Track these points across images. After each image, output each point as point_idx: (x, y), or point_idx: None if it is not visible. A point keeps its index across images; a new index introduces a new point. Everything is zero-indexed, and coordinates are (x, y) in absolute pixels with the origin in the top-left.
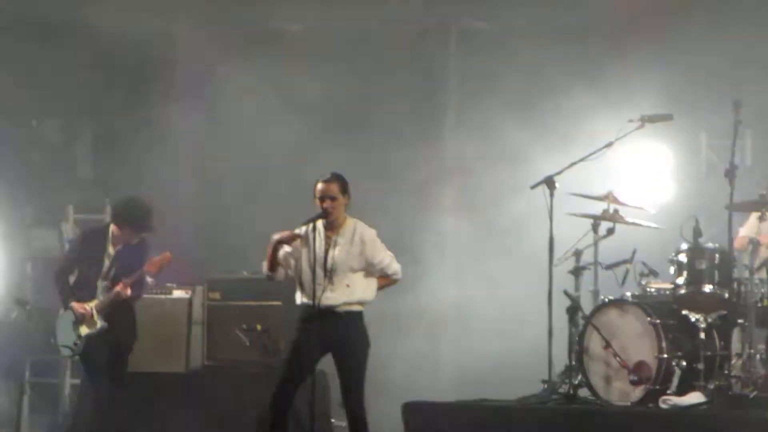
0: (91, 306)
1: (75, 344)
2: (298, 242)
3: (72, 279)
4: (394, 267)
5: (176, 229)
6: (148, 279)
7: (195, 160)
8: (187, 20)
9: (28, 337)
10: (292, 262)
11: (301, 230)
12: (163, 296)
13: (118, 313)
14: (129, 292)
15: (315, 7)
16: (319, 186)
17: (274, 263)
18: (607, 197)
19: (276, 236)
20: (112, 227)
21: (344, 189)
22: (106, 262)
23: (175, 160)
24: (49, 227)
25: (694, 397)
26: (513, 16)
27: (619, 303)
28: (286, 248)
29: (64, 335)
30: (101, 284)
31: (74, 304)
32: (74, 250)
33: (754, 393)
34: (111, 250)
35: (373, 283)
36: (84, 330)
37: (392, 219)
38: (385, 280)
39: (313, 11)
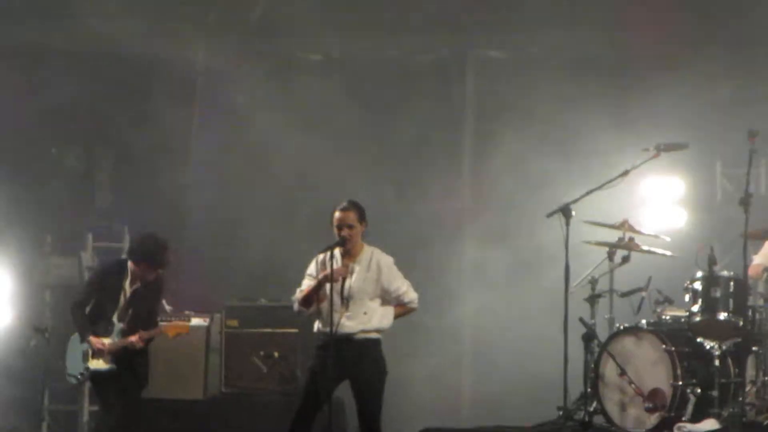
0: (107, 343)
1: (81, 374)
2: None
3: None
4: (411, 295)
5: (195, 256)
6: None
7: (215, 186)
8: (207, 48)
9: (46, 364)
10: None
11: (318, 258)
12: (181, 323)
13: (132, 356)
14: (143, 344)
15: (336, 38)
16: (337, 214)
17: (312, 298)
18: (623, 225)
19: (323, 274)
20: (129, 263)
21: (361, 217)
22: (122, 300)
23: (195, 186)
24: (68, 255)
25: (709, 425)
26: (528, 45)
27: (634, 330)
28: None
29: (73, 363)
30: (118, 325)
31: (92, 339)
32: (92, 283)
33: None
34: (128, 287)
35: (390, 312)
36: (93, 364)
37: (412, 245)
38: (402, 309)
39: (334, 41)
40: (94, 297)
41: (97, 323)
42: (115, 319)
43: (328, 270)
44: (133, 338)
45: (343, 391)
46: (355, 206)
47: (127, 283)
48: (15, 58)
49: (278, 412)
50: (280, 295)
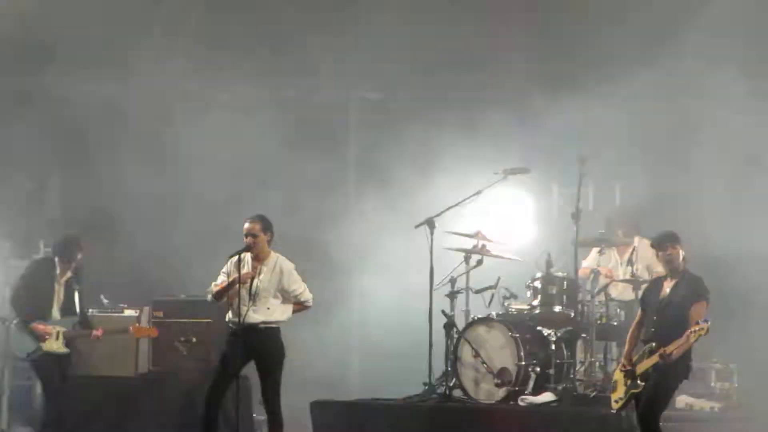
0: (57, 330)
1: (29, 354)
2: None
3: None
4: (307, 295)
5: (128, 258)
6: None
7: (146, 203)
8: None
9: (6, 347)
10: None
11: (232, 260)
12: (116, 314)
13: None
14: (101, 337)
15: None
16: (246, 225)
17: (224, 293)
18: (477, 234)
19: (243, 275)
20: (56, 259)
21: (266, 228)
22: (56, 289)
23: (127, 203)
24: (24, 258)
25: (546, 397)
26: (395, 88)
27: (486, 320)
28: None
29: (21, 342)
30: (68, 320)
31: (38, 326)
32: (25, 278)
33: (594, 393)
34: (60, 278)
35: (289, 308)
36: (48, 346)
37: (306, 252)
38: (299, 306)
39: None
40: (29, 289)
41: (38, 311)
42: (55, 307)
43: (241, 271)
44: (97, 332)
45: (249, 370)
46: (260, 219)
47: (57, 275)
48: None
49: (196, 386)
50: (196, 292)
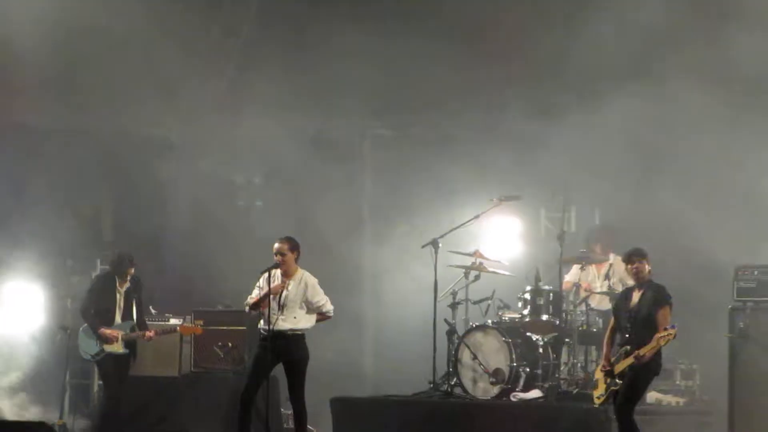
0: (119, 334)
1: (97, 354)
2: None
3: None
4: (328, 307)
5: (171, 276)
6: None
7: (187, 228)
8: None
9: (68, 351)
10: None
11: (264, 276)
12: (162, 322)
13: (133, 342)
14: (155, 337)
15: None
16: (276, 245)
17: (259, 305)
18: (475, 253)
19: (268, 288)
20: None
21: (293, 247)
22: (118, 299)
23: (170, 228)
24: (83, 274)
25: (535, 393)
26: (409, 125)
27: (482, 327)
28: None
29: (87, 345)
30: (128, 323)
31: (105, 330)
32: (92, 291)
33: (576, 390)
34: (120, 289)
35: (313, 318)
36: (108, 348)
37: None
38: (322, 316)
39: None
40: (95, 300)
41: (104, 318)
42: (117, 315)
43: (272, 286)
44: (150, 333)
45: (277, 371)
46: (288, 240)
47: (118, 287)
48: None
49: (232, 385)
50: (232, 303)
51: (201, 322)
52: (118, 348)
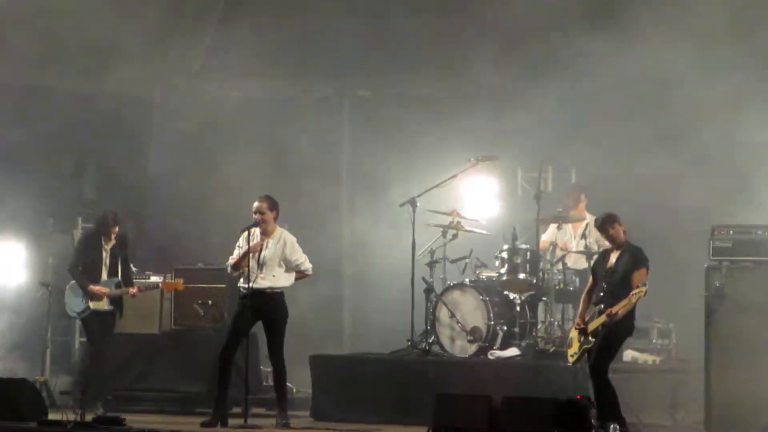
0: (106, 290)
1: (82, 311)
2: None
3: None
4: (307, 265)
5: (153, 233)
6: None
7: (170, 187)
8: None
9: (49, 308)
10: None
11: (244, 234)
12: (143, 279)
13: (118, 298)
14: (138, 294)
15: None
16: (254, 204)
17: (240, 264)
18: (452, 212)
19: (247, 247)
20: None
21: (272, 207)
22: (104, 256)
23: (153, 188)
24: (65, 232)
25: (512, 351)
26: (387, 86)
27: (460, 286)
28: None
29: (73, 302)
30: (114, 280)
31: (94, 287)
32: (78, 249)
33: (553, 348)
34: (106, 246)
35: (291, 276)
36: (93, 305)
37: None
38: (300, 275)
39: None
40: (81, 258)
41: (90, 275)
42: (103, 272)
43: (250, 244)
44: (133, 290)
45: (257, 329)
46: (267, 199)
47: (103, 244)
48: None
49: (212, 342)
50: (212, 261)
51: (182, 280)
52: (103, 305)
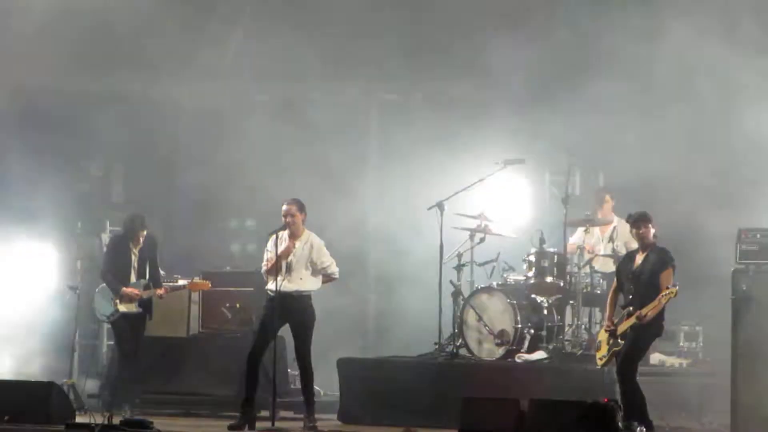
0: (139, 292)
1: (111, 314)
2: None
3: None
4: (333, 269)
5: (181, 236)
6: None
7: (197, 192)
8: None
9: (77, 311)
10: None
11: (272, 238)
12: (171, 283)
13: (147, 301)
14: (166, 294)
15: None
16: (284, 207)
17: (274, 268)
18: (480, 216)
19: (275, 250)
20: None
21: (301, 209)
22: (133, 259)
23: (182, 192)
24: (93, 236)
25: (539, 354)
26: (415, 90)
27: (488, 289)
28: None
29: (102, 306)
30: (141, 282)
31: (127, 290)
32: (109, 253)
33: (580, 351)
34: (134, 249)
35: (318, 280)
36: (122, 308)
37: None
38: (327, 278)
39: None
40: (112, 262)
41: (120, 278)
42: (133, 275)
43: (281, 248)
44: (161, 291)
45: (284, 332)
46: (296, 201)
47: (132, 247)
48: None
49: (239, 345)
50: (240, 264)
51: (209, 284)
52: (132, 308)
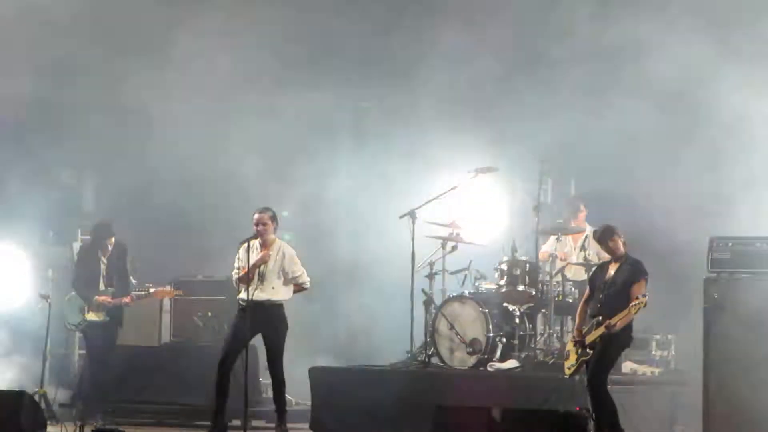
0: (110, 299)
1: (79, 323)
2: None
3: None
4: (305, 278)
5: (152, 243)
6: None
7: (167, 206)
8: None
9: (48, 320)
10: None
11: (243, 246)
12: (143, 292)
13: (116, 309)
14: (132, 303)
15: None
16: (255, 215)
17: (246, 277)
18: (452, 224)
19: (258, 258)
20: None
21: (273, 218)
22: (102, 267)
23: (151, 201)
24: (64, 244)
25: (511, 363)
26: (386, 97)
27: (459, 298)
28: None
29: (71, 316)
30: (109, 290)
31: (100, 298)
32: (79, 262)
33: (552, 360)
34: (103, 257)
35: (290, 289)
36: (90, 316)
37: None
38: (298, 287)
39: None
40: (81, 271)
41: (91, 288)
42: (101, 282)
43: (253, 256)
44: (127, 299)
45: (256, 341)
46: (267, 210)
47: (100, 256)
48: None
49: (211, 354)
50: (211, 273)
51: (181, 292)
52: (99, 316)
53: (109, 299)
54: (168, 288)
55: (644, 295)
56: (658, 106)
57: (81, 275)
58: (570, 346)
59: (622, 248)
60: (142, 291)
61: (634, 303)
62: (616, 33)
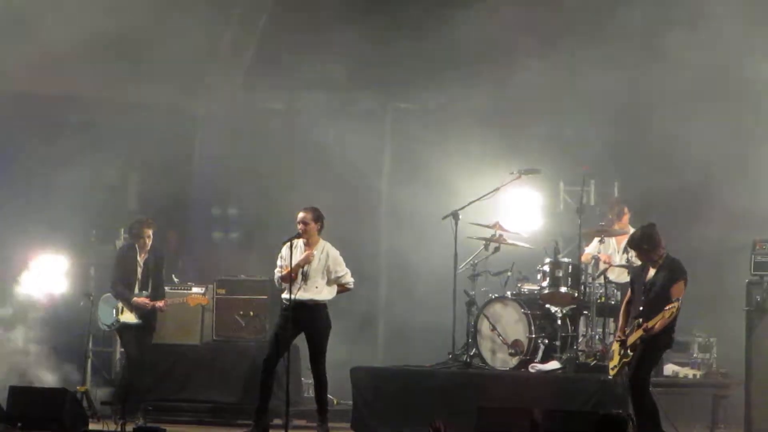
0: (148, 302)
1: (112, 324)
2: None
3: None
4: (348, 279)
5: (194, 242)
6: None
7: (210, 199)
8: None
9: (90, 318)
10: None
11: (287, 246)
12: (185, 291)
13: (151, 313)
14: (166, 308)
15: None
16: (299, 214)
17: (288, 277)
18: (495, 225)
19: (302, 258)
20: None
21: (316, 218)
22: (138, 269)
23: (193, 202)
24: (107, 243)
25: (553, 365)
26: (428, 99)
27: (502, 299)
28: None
29: (105, 315)
30: (144, 293)
31: (138, 300)
32: (117, 263)
33: (594, 362)
34: (140, 259)
35: (334, 289)
36: (124, 318)
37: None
38: (342, 288)
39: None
40: (119, 272)
41: (128, 289)
42: (137, 284)
43: (297, 256)
44: (161, 304)
45: (299, 341)
46: (312, 209)
47: (138, 257)
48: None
49: (253, 354)
50: (254, 272)
51: (223, 291)
52: (132, 318)
53: (148, 301)
54: (201, 294)
55: (678, 300)
56: (704, 109)
57: (119, 277)
58: (615, 347)
59: (659, 254)
60: (176, 297)
61: (667, 307)
62: (661, 38)
